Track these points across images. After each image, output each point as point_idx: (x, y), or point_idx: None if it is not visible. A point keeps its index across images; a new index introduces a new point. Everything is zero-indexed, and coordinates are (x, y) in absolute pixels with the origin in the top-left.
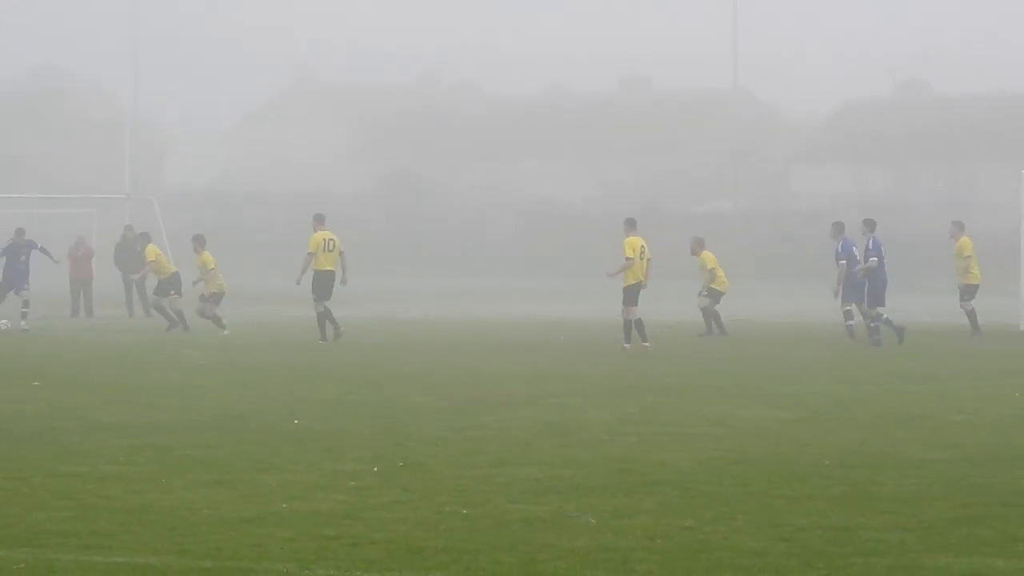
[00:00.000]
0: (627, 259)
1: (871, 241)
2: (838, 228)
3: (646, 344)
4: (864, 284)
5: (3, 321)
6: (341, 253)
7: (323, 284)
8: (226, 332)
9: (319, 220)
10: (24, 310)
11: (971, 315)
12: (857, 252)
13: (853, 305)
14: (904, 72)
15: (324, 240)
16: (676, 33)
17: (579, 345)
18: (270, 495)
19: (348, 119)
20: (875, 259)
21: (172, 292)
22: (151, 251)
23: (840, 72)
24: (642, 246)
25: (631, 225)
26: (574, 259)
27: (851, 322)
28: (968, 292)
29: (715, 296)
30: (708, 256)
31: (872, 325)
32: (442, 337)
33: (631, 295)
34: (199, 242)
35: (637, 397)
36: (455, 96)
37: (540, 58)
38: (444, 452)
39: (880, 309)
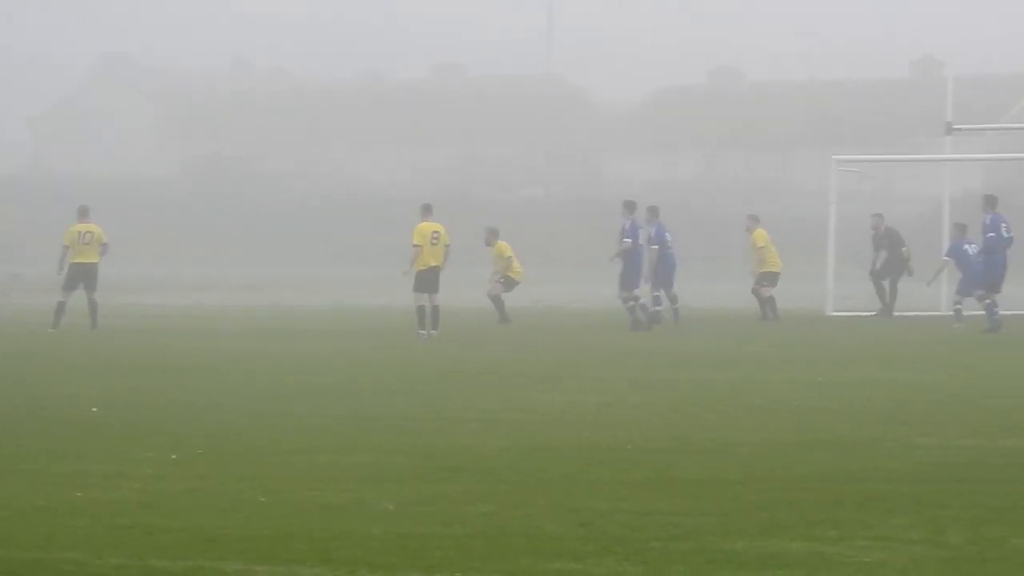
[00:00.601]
0: (414, 246)
1: (990, 219)
2: (653, 212)
3: (422, 332)
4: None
5: None
6: (103, 245)
7: (73, 276)
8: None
9: (83, 213)
10: None
11: (767, 301)
12: (670, 236)
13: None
14: (717, 60)
15: (80, 233)
16: (490, 20)
17: (383, 332)
18: (63, 484)
19: (158, 103)
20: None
21: None
22: None
23: (654, 60)
24: (435, 232)
25: (426, 211)
26: (384, 245)
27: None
28: (765, 279)
29: (509, 284)
30: (503, 246)
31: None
32: (247, 325)
33: (420, 281)
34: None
35: (439, 384)
36: (267, 81)
37: (354, 44)
38: (243, 439)
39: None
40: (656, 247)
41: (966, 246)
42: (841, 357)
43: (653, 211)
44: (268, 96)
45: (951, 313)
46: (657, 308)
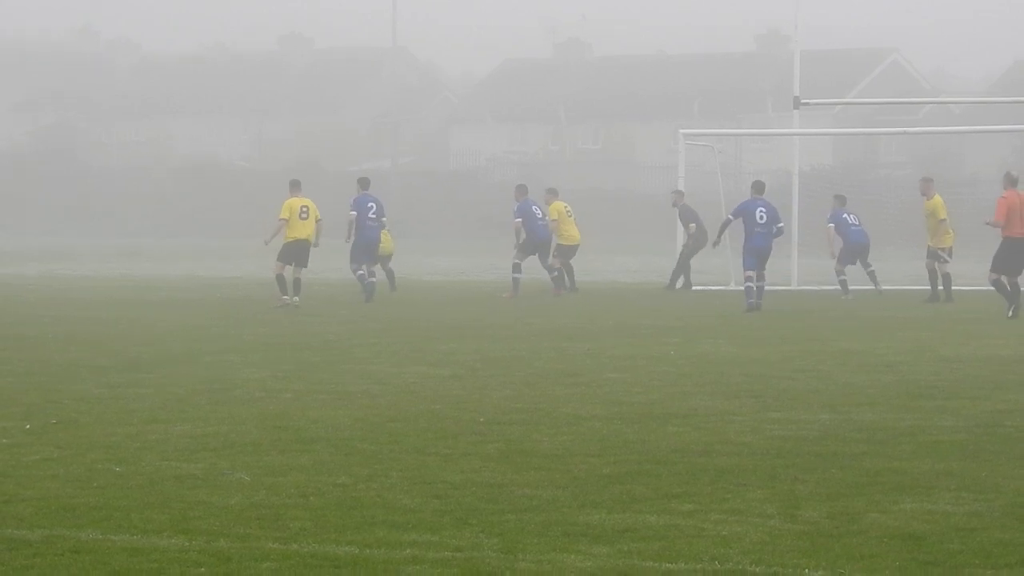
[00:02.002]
0: (280, 219)
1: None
2: (521, 190)
3: (285, 298)
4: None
5: None
6: None
7: None
8: None
9: None
10: None
11: (566, 271)
12: (538, 211)
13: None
14: (564, 33)
15: None
16: None
17: (235, 303)
18: None
19: (3, 72)
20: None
21: None
22: None
23: (500, 33)
24: (304, 206)
25: (294, 186)
26: (230, 217)
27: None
28: (561, 252)
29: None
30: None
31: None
32: (100, 295)
33: (287, 252)
34: None
35: (293, 354)
36: (113, 51)
37: (200, 16)
38: (98, 409)
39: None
40: (519, 220)
41: (846, 215)
42: (692, 331)
43: (521, 189)
44: (115, 66)
45: (837, 286)
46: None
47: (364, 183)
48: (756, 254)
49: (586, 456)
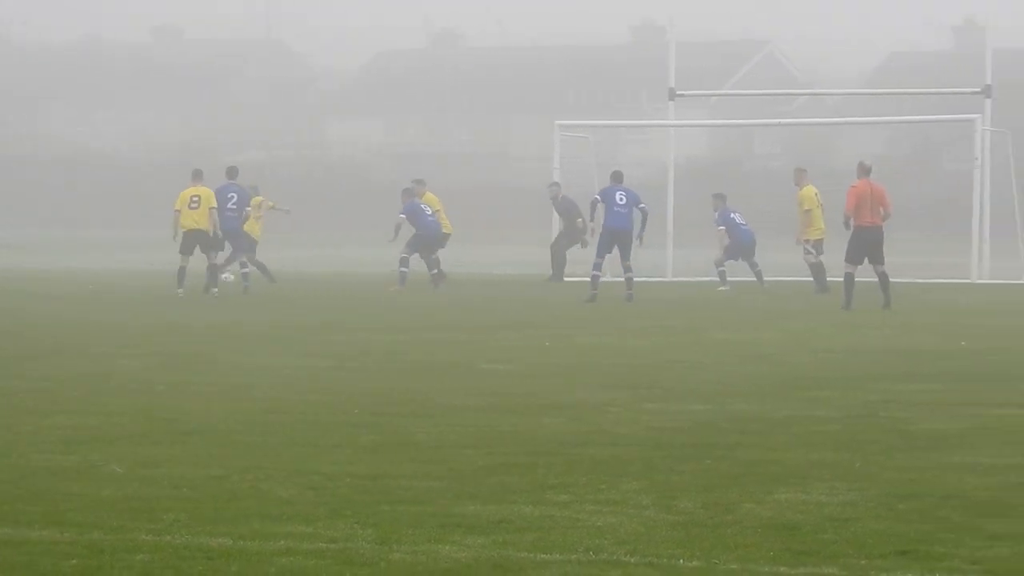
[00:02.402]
0: (175, 211)
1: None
2: (408, 193)
3: (179, 291)
4: None
5: None
6: None
7: None
8: None
9: None
10: None
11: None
12: (427, 208)
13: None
14: (440, 24)
15: None
16: None
17: (111, 293)
18: None
19: None
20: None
21: None
22: None
23: (376, 24)
24: (194, 196)
25: (196, 176)
26: (108, 208)
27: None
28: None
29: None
30: (258, 199)
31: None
32: None
33: (184, 243)
34: None
35: (169, 345)
36: None
37: (72, 8)
38: None
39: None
40: (403, 216)
41: (733, 215)
42: (569, 323)
43: (408, 192)
44: None
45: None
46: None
47: (231, 172)
48: (613, 235)
49: (462, 447)
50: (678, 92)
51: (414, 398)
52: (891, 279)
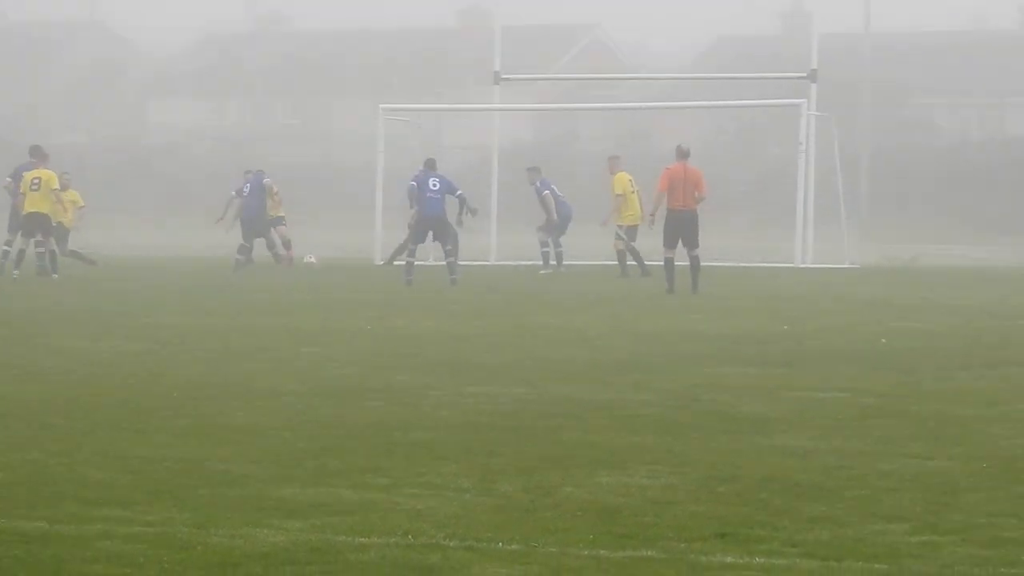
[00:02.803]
0: (19, 193)
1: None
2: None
3: (15, 272)
4: None
5: None
6: None
7: None
8: None
9: None
10: None
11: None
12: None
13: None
14: (264, 5)
15: None
16: None
17: None
18: None
19: None
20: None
21: None
22: None
23: (200, 5)
24: (35, 178)
25: (34, 153)
26: None
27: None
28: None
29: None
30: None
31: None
32: None
33: (24, 225)
34: None
35: None
36: None
37: None
38: None
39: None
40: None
41: (553, 185)
42: (389, 305)
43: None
44: None
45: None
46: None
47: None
48: (427, 224)
49: (281, 431)
50: (503, 76)
51: (233, 382)
52: (716, 263)
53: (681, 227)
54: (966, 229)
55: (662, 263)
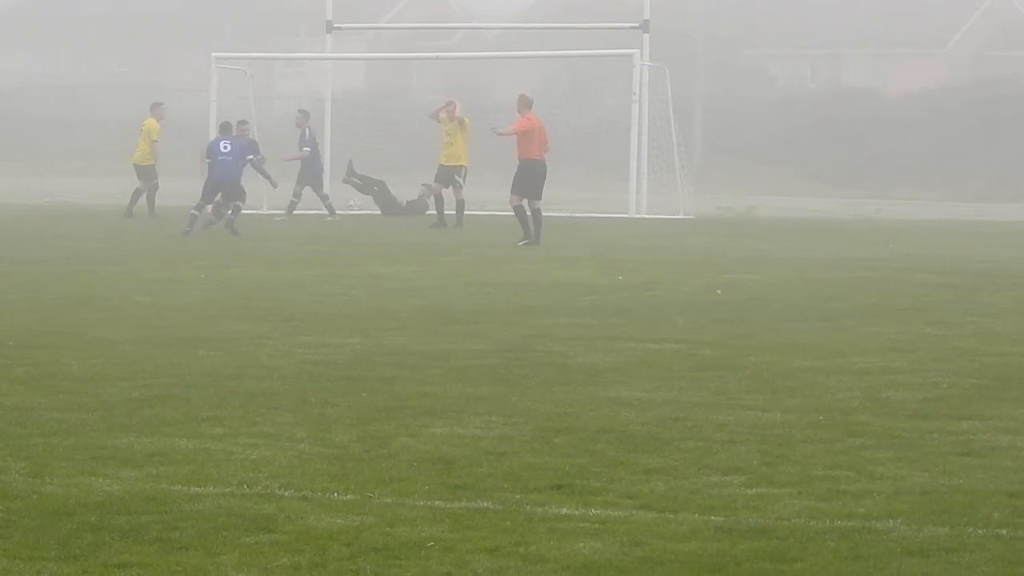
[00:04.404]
0: None
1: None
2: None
3: None
4: None
5: None
6: None
7: None
8: None
9: None
10: None
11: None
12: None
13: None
14: None
15: None
16: None
17: None
18: None
19: None
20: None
21: None
22: None
23: None
24: None
25: None
26: None
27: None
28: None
29: None
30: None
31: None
32: None
33: None
34: None
35: None
36: None
37: None
38: None
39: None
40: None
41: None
42: (222, 255)
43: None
44: None
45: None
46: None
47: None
48: (217, 185)
49: (116, 380)
50: (336, 25)
51: (68, 330)
52: (550, 213)
53: (539, 177)
54: (801, 180)
55: (519, 214)
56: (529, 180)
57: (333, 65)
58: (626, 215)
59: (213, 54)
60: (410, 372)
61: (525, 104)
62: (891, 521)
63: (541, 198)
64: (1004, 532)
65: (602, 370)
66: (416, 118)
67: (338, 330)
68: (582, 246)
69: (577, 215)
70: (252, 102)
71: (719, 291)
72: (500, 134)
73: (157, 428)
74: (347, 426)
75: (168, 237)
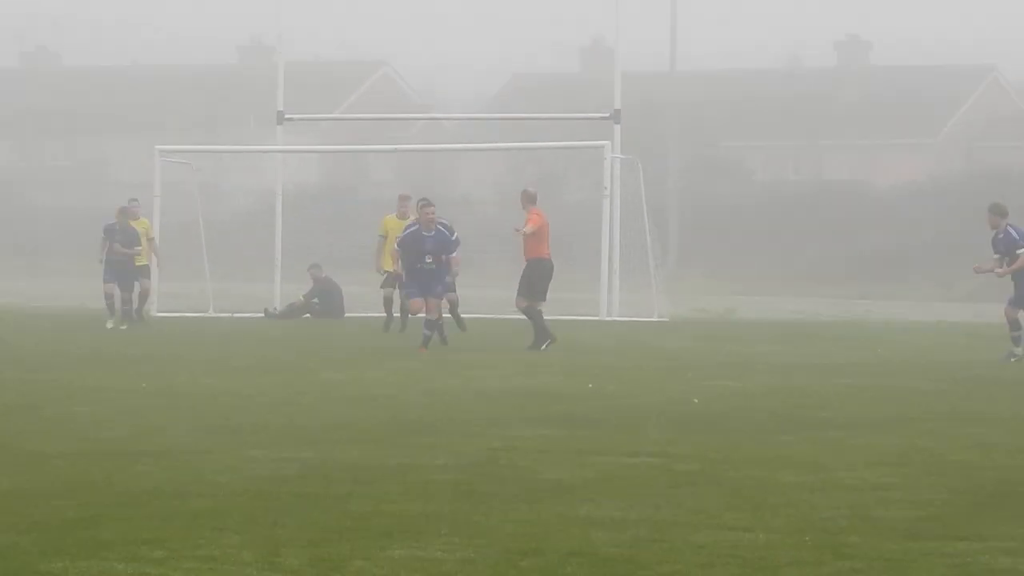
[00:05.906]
0: None
1: None
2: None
3: None
4: None
5: None
6: None
7: None
8: None
9: None
10: None
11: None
12: None
13: None
14: (33, 41)
15: None
16: None
17: None
18: None
19: None
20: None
21: None
22: None
23: None
24: None
25: None
26: None
27: None
28: None
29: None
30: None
31: None
32: None
33: None
34: None
35: None
36: None
37: None
38: None
39: None
40: None
41: None
42: (165, 361)
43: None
44: None
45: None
46: None
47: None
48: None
49: (49, 498)
50: (287, 116)
51: None
52: (513, 316)
53: (550, 278)
54: (783, 279)
55: (533, 316)
56: (539, 280)
57: (284, 158)
58: (597, 317)
59: (156, 146)
60: (366, 488)
61: (529, 199)
62: None
63: (546, 299)
64: None
65: (571, 486)
66: (376, 211)
67: (288, 442)
68: (550, 350)
69: (545, 317)
70: (198, 198)
71: (696, 399)
72: (523, 233)
73: (94, 551)
74: (298, 548)
75: (110, 340)
